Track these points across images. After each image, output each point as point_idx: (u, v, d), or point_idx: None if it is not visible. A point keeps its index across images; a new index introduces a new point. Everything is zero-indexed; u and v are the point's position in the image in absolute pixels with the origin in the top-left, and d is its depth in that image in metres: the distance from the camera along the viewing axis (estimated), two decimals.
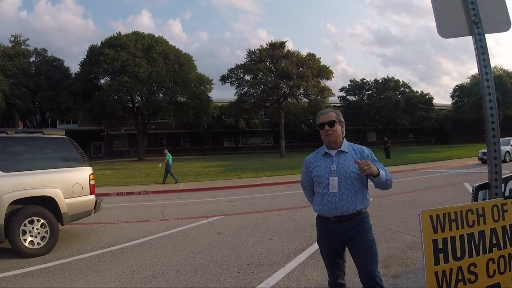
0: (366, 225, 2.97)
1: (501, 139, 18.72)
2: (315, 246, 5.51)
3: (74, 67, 66.72)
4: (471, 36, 2.89)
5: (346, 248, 3.05)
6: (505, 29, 2.89)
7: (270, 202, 11.55)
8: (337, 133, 2.98)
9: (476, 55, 2.85)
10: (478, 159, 22.35)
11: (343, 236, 2.92)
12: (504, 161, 19.92)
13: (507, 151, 21.46)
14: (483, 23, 2.83)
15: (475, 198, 2.82)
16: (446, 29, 2.94)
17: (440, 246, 2.46)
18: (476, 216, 2.55)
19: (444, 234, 2.48)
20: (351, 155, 2.96)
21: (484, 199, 2.82)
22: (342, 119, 3.07)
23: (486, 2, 2.88)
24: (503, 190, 2.86)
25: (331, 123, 2.97)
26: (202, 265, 5.27)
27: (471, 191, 9.19)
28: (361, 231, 2.92)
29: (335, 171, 2.92)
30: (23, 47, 42.47)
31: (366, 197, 3.01)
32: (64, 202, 6.54)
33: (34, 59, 43.73)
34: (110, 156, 48.24)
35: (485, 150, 19.81)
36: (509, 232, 2.61)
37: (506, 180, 2.93)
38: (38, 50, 43.81)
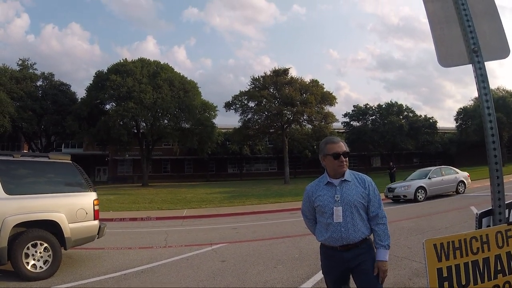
0: (372, 252, 2.93)
1: (419, 170, 17.95)
2: (320, 274, 5.38)
3: (80, 92, 67.82)
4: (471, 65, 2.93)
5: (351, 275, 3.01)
6: (504, 56, 2.94)
7: (275, 230, 11.45)
8: (347, 163, 2.99)
9: (476, 83, 2.89)
10: (385, 196, 17.65)
11: (349, 263, 2.88)
12: (416, 200, 16.58)
13: (420, 187, 17.10)
14: (483, 51, 2.88)
15: (479, 225, 2.81)
16: (446, 59, 3.00)
17: (445, 274, 2.45)
18: (480, 243, 2.56)
19: (449, 262, 2.48)
20: (354, 184, 2.95)
21: (488, 225, 2.81)
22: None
23: (485, 30, 2.94)
24: (506, 216, 2.84)
25: (346, 154, 2.96)
26: None
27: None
28: (366, 259, 2.88)
29: (339, 201, 2.89)
30: (30, 70, 43.35)
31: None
32: (68, 227, 6.52)
33: (41, 83, 44.49)
34: (114, 181, 48.24)
35: (392, 185, 17.88)
36: None
37: (509, 206, 2.92)
38: (45, 74, 44.63)
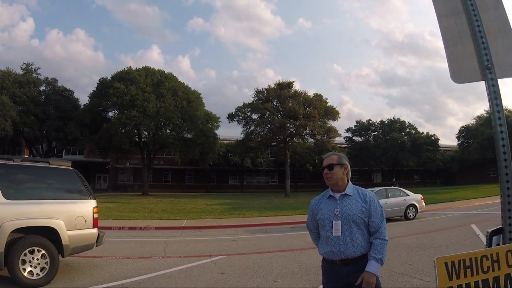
0: None
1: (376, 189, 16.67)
2: None
3: (82, 98, 68.04)
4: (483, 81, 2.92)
5: None
6: None
7: (275, 243, 11.34)
8: (337, 176, 2.99)
9: (489, 100, 2.88)
10: None
11: (348, 279, 2.86)
12: None
13: None
14: (496, 68, 2.87)
15: (489, 243, 2.78)
16: (459, 75, 3.00)
17: None
18: (491, 262, 2.54)
19: (459, 281, 2.46)
20: (355, 198, 2.95)
21: (498, 244, 2.78)
22: (346, 161, 3.07)
23: (498, 48, 2.93)
24: None
25: (330, 167, 2.99)
26: None
27: (478, 233, 9.00)
28: None
29: (339, 215, 2.91)
30: (34, 75, 43.17)
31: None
32: (66, 234, 6.43)
33: (44, 88, 44.36)
34: (114, 189, 48.08)
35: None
36: None
37: None
38: (49, 79, 44.50)
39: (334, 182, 2.99)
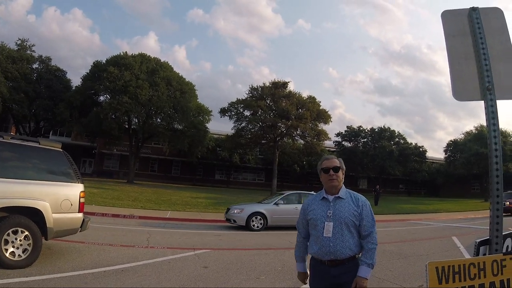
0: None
1: (285, 192, 16.08)
2: None
3: (75, 80, 67.03)
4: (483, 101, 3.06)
5: None
6: None
7: (258, 241, 11.38)
8: (340, 179, 3.08)
9: (486, 119, 3.02)
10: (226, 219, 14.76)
11: (336, 279, 2.93)
12: (249, 227, 13.63)
13: (257, 214, 14.00)
14: (496, 90, 3.00)
15: (477, 253, 2.97)
16: (461, 93, 3.13)
17: None
18: (478, 270, 2.74)
19: (448, 285, 2.65)
20: (347, 202, 3.03)
21: (485, 253, 2.97)
22: (344, 166, 3.16)
23: (500, 71, 3.07)
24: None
25: (336, 169, 3.07)
26: None
27: (459, 245, 9.13)
28: (353, 278, 2.93)
29: (331, 216, 2.98)
30: (28, 52, 42.40)
31: (360, 242, 3.06)
32: (51, 217, 6.34)
33: (37, 66, 43.66)
34: (99, 174, 47.64)
35: (232, 206, 15.55)
36: (506, 286, 2.78)
37: (504, 237, 3.09)
38: (43, 57, 43.81)
39: (336, 184, 3.06)
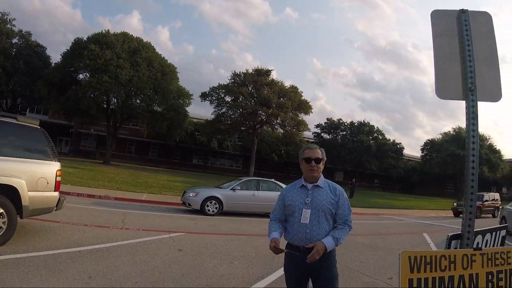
0: (332, 260, 3.11)
1: (243, 178, 15.94)
2: (276, 275, 5.54)
3: (54, 56, 65.12)
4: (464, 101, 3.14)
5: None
6: (496, 99, 3.19)
7: (233, 226, 11.51)
8: (320, 170, 3.17)
9: (466, 119, 3.10)
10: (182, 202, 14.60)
11: (309, 265, 2.98)
12: (204, 212, 13.47)
13: (212, 198, 13.80)
14: (478, 91, 3.08)
15: (448, 246, 3.08)
16: (443, 92, 3.21)
17: (415, 285, 2.74)
18: (448, 263, 2.86)
19: (419, 275, 2.77)
20: (325, 190, 3.13)
21: (456, 247, 3.08)
22: (325, 157, 3.26)
23: (484, 73, 3.16)
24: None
25: (318, 160, 3.15)
26: (161, 280, 5.15)
27: (429, 242, 9.46)
28: (326, 266, 3.03)
29: (309, 204, 3.07)
30: (8, 26, 40.98)
31: None
32: (27, 195, 6.21)
33: (16, 41, 42.23)
34: (75, 154, 46.81)
35: (188, 190, 15.18)
36: (475, 280, 2.91)
37: (475, 234, 3.20)
38: (23, 32, 42.41)
39: (317, 175, 3.15)
